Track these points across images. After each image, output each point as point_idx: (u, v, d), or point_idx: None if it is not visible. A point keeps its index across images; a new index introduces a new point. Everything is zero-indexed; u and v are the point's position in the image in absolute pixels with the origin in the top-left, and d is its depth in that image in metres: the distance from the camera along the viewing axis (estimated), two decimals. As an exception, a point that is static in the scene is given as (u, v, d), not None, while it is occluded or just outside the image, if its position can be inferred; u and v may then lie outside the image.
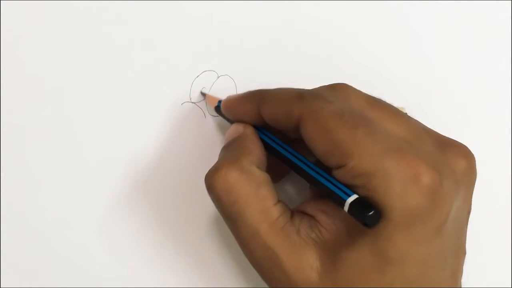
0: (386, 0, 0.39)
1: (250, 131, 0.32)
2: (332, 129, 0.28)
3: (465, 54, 0.40)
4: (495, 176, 0.38)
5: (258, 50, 0.37)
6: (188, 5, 0.35)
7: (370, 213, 0.27)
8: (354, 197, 0.27)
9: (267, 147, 0.32)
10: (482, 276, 0.34)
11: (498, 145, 0.40)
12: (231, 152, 0.31)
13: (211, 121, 0.36)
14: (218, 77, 0.36)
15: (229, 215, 0.30)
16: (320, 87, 0.31)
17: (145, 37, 0.34)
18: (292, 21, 0.37)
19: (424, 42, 0.39)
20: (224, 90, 0.36)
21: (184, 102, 0.35)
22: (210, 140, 0.36)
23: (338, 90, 0.31)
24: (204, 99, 0.36)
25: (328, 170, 0.29)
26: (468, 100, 0.40)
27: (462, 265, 0.31)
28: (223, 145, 0.32)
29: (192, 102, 0.36)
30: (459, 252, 0.31)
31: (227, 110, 0.33)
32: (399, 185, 0.27)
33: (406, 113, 0.31)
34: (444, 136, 0.31)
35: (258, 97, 0.32)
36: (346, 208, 0.27)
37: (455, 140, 0.31)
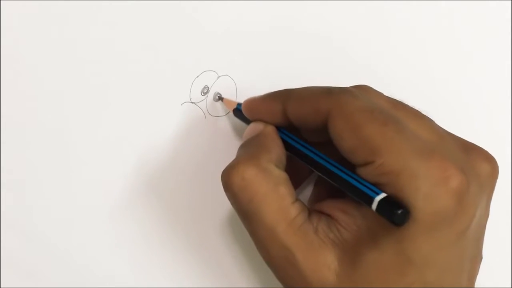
0: (387, 1, 0.39)
1: (270, 129, 0.32)
2: (362, 125, 0.28)
3: (466, 54, 0.40)
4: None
5: (258, 50, 0.37)
6: (188, 5, 0.35)
7: (399, 212, 0.26)
8: (382, 195, 0.27)
9: (288, 147, 0.32)
10: (482, 276, 0.34)
11: (499, 145, 0.40)
12: (249, 149, 0.31)
13: (211, 121, 0.36)
14: (218, 77, 0.36)
15: (246, 213, 0.29)
16: (345, 86, 0.31)
17: (146, 38, 0.34)
18: (293, 21, 0.37)
19: (425, 42, 0.39)
20: (224, 90, 0.36)
21: (184, 102, 0.35)
22: (210, 140, 0.36)
23: (362, 90, 0.31)
24: (207, 94, 0.36)
25: (351, 169, 0.29)
26: (468, 100, 0.40)
27: (478, 270, 0.31)
28: (241, 143, 0.32)
29: (192, 102, 0.36)
30: (477, 257, 0.30)
31: (250, 111, 0.33)
32: (427, 186, 0.27)
33: (428, 116, 0.31)
34: (466, 140, 0.31)
35: (283, 95, 0.31)
36: (374, 206, 0.27)
37: (476, 145, 0.30)
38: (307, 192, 0.37)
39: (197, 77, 0.35)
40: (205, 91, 0.36)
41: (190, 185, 0.36)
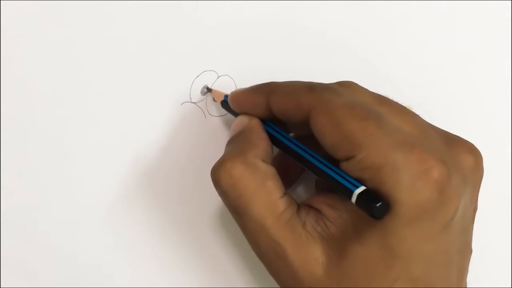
0: (387, 0, 0.39)
1: (255, 123, 0.32)
2: (343, 121, 0.28)
3: (466, 54, 0.40)
4: (495, 175, 0.38)
5: (258, 50, 0.37)
6: (188, 5, 0.35)
7: (378, 205, 0.26)
8: (362, 188, 0.27)
9: (273, 141, 0.32)
10: (482, 276, 0.34)
11: (499, 144, 0.40)
12: (236, 145, 0.31)
13: (211, 121, 0.36)
14: (218, 77, 0.36)
15: (235, 209, 0.30)
16: (329, 83, 0.31)
17: (145, 37, 0.34)
18: (292, 20, 0.37)
19: (425, 41, 0.39)
20: (224, 90, 0.36)
21: (184, 102, 0.35)
22: (210, 139, 0.36)
23: (346, 86, 0.31)
24: (207, 94, 0.36)
25: (335, 164, 0.29)
26: (468, 100, 0.40)
27: (468, 264, 0.31)
28: (228, 139, 0.32)
29: (192, 102, 0.36)
30: (465, 250, 0.30)
31: (235, 103, 0.33)
32: (408, 178, 0.27)
33: (412, 111, 0.31)
34: (450, 133, 0.31)
35: (267, 89, 0.32)
36: (353, 199, 0.27)
37: (461, 137, 0.31)
38: (302, 186, 0.37)
39: (197, 77, 0.35)
40: (205, 91, 0.36)
41: (191, 185, 0.36)
